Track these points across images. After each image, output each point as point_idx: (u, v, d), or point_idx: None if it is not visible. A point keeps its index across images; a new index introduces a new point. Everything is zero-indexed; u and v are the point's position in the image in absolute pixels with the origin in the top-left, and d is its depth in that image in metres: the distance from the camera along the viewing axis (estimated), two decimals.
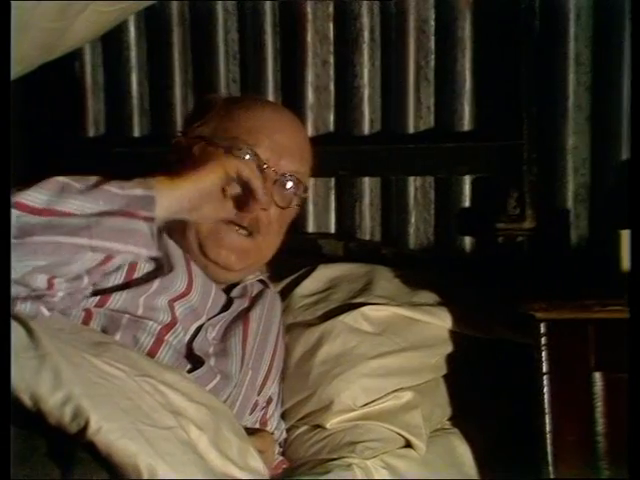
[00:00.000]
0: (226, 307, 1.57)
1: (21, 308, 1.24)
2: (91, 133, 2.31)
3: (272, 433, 1.57)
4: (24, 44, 1.48)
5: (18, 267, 1.20)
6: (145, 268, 1.47)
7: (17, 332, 1.16)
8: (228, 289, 1.61)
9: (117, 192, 1.27)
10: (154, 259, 1.46)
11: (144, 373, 1.19)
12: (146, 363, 1.24)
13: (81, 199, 1.25)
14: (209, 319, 1.52)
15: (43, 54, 1.61)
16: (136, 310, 1.43)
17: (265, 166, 1.52)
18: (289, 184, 1.56)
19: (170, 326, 1.45)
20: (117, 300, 1.42)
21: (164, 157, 1.63)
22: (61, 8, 1.45)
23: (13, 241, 1.19)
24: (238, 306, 1.59)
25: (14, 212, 1.21)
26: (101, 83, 2.30)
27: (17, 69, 1.59)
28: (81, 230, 1.22)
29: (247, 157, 1.51)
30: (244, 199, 1.43)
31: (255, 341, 1.57)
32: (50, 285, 1.26)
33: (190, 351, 1.46)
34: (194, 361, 1.45)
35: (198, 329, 1.49)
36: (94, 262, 1.27)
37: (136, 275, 1.46)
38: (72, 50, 1.76)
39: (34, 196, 1.23)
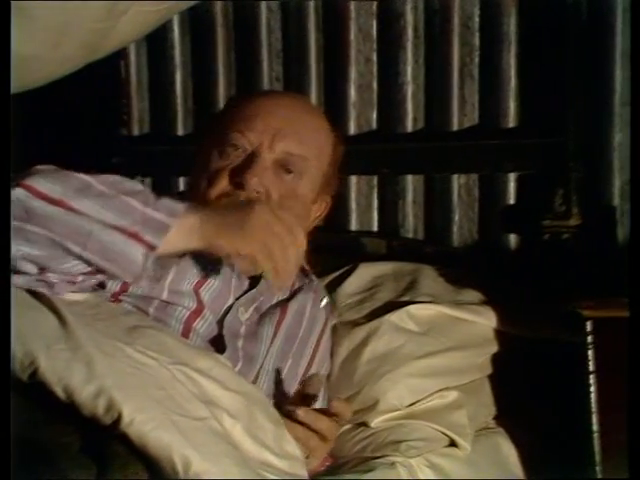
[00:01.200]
0: (253, 285, 1.55)
1: (17, 281, 1.24)
2: (136, 132, 2.32)
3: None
4: (69, 44, 1.50)
5: (12, 248, 1.20)
6: None
7: (49, 321, 1.17)
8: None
9: (136, 207, 1.24)
10: None
11: (178, 360, 1.19)
12: (181, 349, 1.24)
13: (97, 202, 1.23)
14: (237, 298, 1.51)
15: (88, 54, 1.62)
16: (161, 294, 1.43)
17: (258, 149, 1.51)
18: (286, 164, 1.53)
19: (197, 312, 1.45)
20: (139, 286, 1.42)
21: None
22: (106, 8, 1.46)
23: (14, 222, 1.19)
24: (269, 288, 1.56)
25: (23, 192, 1.21)
26: (145, 82, 2.31)
27: (62, 69, 1.61)
28: (79, 236, 1.21)
29: (237, 143, 1.51)
30: (236, 179, 1.48)
31: (289, 331, 1.56)
32: (41, 272, 1.25)
33: (219, 332, 1.46)
34: (218, 344, 1.44)
35: (228, 309, 1.49)
36: (87, 268, 1.25)
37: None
38: (117, 50, 1.77)
39: (50, 187, 1.22)
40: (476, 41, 2.02)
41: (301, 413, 1.34)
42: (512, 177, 2.00)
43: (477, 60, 2.02)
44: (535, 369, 1.73)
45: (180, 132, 2.28)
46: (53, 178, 1.25)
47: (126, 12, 1.52)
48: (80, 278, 1.29)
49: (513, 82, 1.98)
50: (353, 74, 2.12)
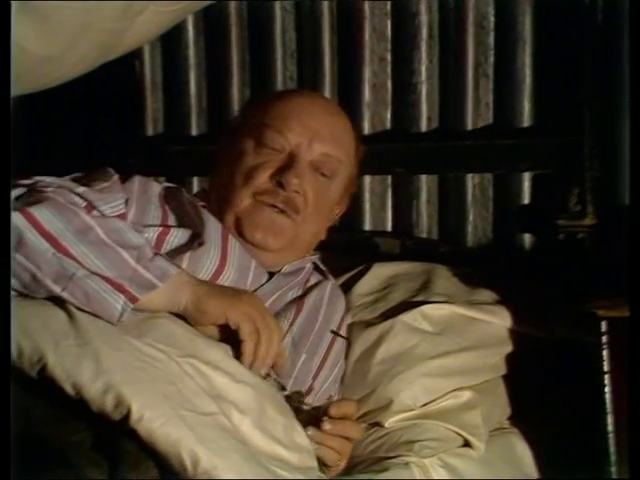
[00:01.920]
0: (270, 280, 1.56)
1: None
2: (150, 131, 2.33)
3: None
4: (84, 45, 1.50)
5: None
6: (175, 241, 1.47)
7: (57, 317, 1.18)
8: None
9: (129, 262, 1.24)
10: (187, 230, 1.47)
11: (187, 353, 1.19)
12: (190, 340, 1.24)
13: (91, 250, 1.23)
14: (254, 291, 1.50)
15: (103, 54, 1.62)
16: None
17: (297, 150, 1.55)
18: (322, 166, 1.57)
19: None
20: None
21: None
22: (122, 8, 1.46)
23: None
24: (287, 284, 1.58)
25: (22, 220, 1.21)
26: (160, 82, 2.32)
27: (77, 69, 1.61)
28: (61, 278, 1.21)
29: (275, 142, 1.54)
30: (278, 178, 1.51)
31: (304, 326, 1.56)
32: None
33: None
34: None
35: None
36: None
37: (165, 248, 1.45)
38: (132, 50, 1.78)
39: (50, 221, 1.23)
40: (491, 40, 2.01)
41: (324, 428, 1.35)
42: (527, 177, 2.00)
43: (492, 59, 2.02)
44: (549, 369, 1.73)
45: (194, 132, 2.29)
46: (57, 213, 1.25)
47: (142, 12, 1.52)
48: None
49: (528, 81, 1.98)
50: (367, 74, 2.12)
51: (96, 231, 1.26)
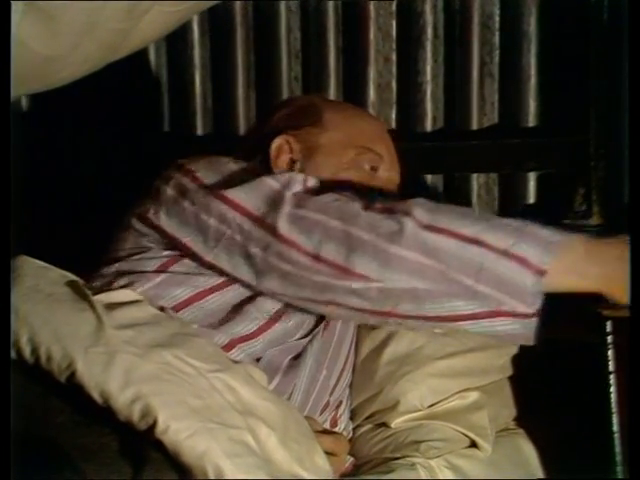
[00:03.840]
0: None
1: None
2: (155, 131, 2.32)
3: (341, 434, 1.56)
4: (89, 44, 1.49)
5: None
6: None
7: (87, 323, 1.17)
8: None
9: (512, 225, 1.21)
10: None
11: (217, 368, 1.19)
12: (221, 356, 1.24)
13: (482, 226, 1.21)
14: None
15: (108, 54, 1.62)
16: None
17: (390, 176, 1.60)
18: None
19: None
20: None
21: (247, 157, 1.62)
22: (128, 9, 1.46)
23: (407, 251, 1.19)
24: None
25: (414, 225, 1.20)
26: (165, 82, 2.32)
27: (82, 69, 1.61)
28: (470, 268, 1.19)
29: (375, 165, 1.57)
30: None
31: (331, 343, 1.55)
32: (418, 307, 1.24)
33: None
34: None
35: None
36: (470, 309, 1.22)
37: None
38: (137, 50, 1.77)
39: (430, 216, 1.22)
40: (496, 40, 2.01)
41: None
42: (532, 176, 1.99)
43: (497, 59, 2.01)
44: (555, 370, 1.72)
45: (199, 132, 2.28)
46: (433, 208, 1.24)
47: (147, 13, 1.52)
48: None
49: (533, 81, 1.97)
50: (372, 74, 2.11)
51: (469, 212, 1.27)
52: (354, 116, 1.66)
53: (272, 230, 1.29)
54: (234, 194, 1.35)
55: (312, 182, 1.37)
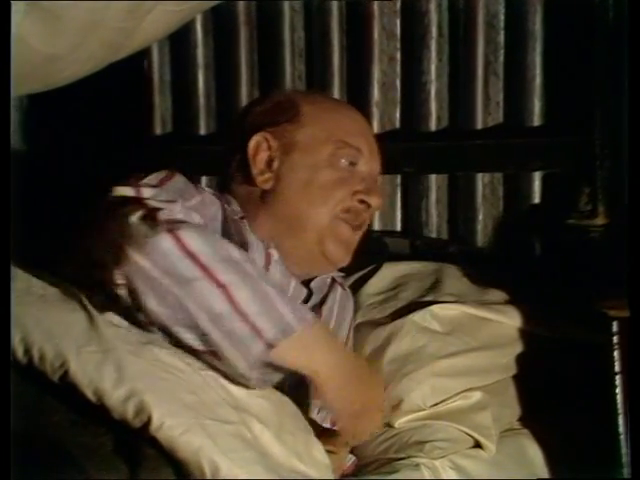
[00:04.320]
0: (306, 300, 1.57)
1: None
2: (158, 131, 2.32)
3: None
4: (92, 43, 1.49)
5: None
6: None
7: (80, 322, 1.17)
8: (306, 282, 1.61)
9: (274, 300, 1.21)
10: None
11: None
12: None
13: (241, 280, 1.20)
14: None
15: (111, 53, 1.62)
16: None
17: (371, 169, 1.60)
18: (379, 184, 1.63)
19: None
20: None
21: (227, 154, 1.64)
22: (131, 8, 1.46)
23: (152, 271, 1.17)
24: (315, 299, 1.59)
25: (171, 243, 1.18)
26: (168, 81, 2.31)
27: (85, 68, 1.61)
28: (211, 313, 1.17)
29: (355, 160, 1.57)
30: (366, 199, 1.55)
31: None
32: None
33: None
34: None
35: None
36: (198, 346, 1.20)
37: None
38: (140, 49, 1.77)
39: (200, 247, 1.19)
40: (501, 39, 2.00)
41: None
42: (537, 176, 1.99)
43: (502, 58, 2.01)
44: (560, 370, 1.72)
45: (203, 132, 2.28)
46: (205, 237, 1.21)
47: (150, 12, 1.52)
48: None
49: (538, 80, 1.97)
50: (376, 73, 2.11)
51: (242, 262, 1.22)
52: (331, 110, 1.65)
53: None
54: None
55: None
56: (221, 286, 1.18)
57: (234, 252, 1.22)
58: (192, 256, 1.18)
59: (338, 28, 2.13)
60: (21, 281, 1.23)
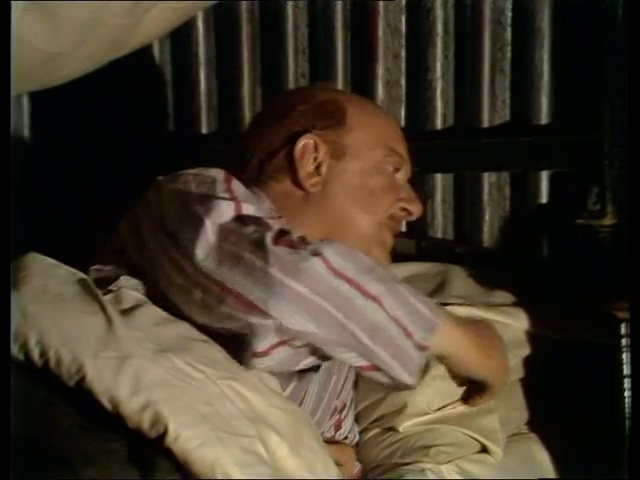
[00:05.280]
0: None
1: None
2: (159, 129, 2.31)
3: (346, 437, 1.55)
4: (93, 41, 1.49)
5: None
6: None
7: (97, 326, 1.16)
8: None
9: (409, 298, 1.26)
10: None
11: (227, 375, 1.18)
12: (230, 364, 1.22)
13: (387, 289, 1.24)
14: None
15: (112, 51, 1.62)
16: None
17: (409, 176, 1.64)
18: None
19: None
20: None
21: (233, 155, 1.62)
22: (131, 5, 1.46)
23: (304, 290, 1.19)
24: None
25: (323, 266, 1.20)
26: (169, 79, 2.30)
27: (86, 66, 1.60)
28: (368, 324, 1.21)
29: (399, 167, 1.60)
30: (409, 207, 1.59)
31: None
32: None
33: None
34: None
35: None
36: (359, 362, 1.26)
37: None
38: (141, 47, 1.76)
39: (344, 264, 1.22)
40: (508, 36, 1.99)
41: None
42: (544, 175, 1.97)
43: (509, 55, 1.99)
44: (568, 372, 1.70)
45: (204, 130, 2.26)
46: (341, 252, 1.24)
47: (151, 9, 1.52)
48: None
49: (546, 78, 1.96)
50: (381, 70, 2.09)
51: (378, 269, 1.27)
52: (374, 114, 1.65)
53: (189, 255, 1.26)
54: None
55: (231, 211, 1.32)
56: (373, 298, 1.22)
57: (364, 258, 1.26)
58: (341, 275, 1.21)
59: (342, 25, 2.12)
60: (38, 278, 1.22)
